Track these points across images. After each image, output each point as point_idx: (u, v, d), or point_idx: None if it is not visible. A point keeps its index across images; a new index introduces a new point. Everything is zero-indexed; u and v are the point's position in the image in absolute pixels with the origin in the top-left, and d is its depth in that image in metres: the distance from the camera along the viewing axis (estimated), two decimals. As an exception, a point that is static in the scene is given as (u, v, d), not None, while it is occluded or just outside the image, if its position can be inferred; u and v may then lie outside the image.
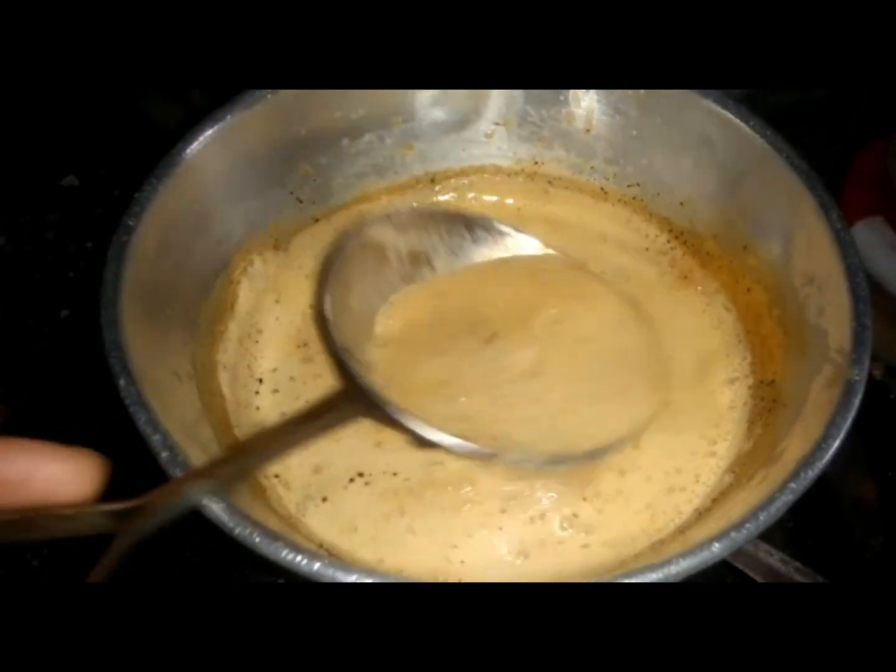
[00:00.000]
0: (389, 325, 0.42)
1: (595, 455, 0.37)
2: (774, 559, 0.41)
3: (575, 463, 0.37)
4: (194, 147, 0.42)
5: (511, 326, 0.42)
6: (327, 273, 0.39)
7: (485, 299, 0.44)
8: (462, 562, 0.37)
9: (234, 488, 0.31)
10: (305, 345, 0.45)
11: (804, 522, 0.45)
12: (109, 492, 0.28)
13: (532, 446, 0.36)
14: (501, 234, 0.47)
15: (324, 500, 0.39)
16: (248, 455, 0.32)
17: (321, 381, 0.43)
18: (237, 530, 0.29)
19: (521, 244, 0.47)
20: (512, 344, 0.41)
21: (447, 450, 0.35)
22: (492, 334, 0.41)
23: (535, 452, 0.36)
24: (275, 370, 0.44)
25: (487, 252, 0.46)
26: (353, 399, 0.34)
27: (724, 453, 0.39)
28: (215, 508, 0.29)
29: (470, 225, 0.46)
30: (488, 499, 0.38)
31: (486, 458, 0.35)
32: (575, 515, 0.38)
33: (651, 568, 0.28)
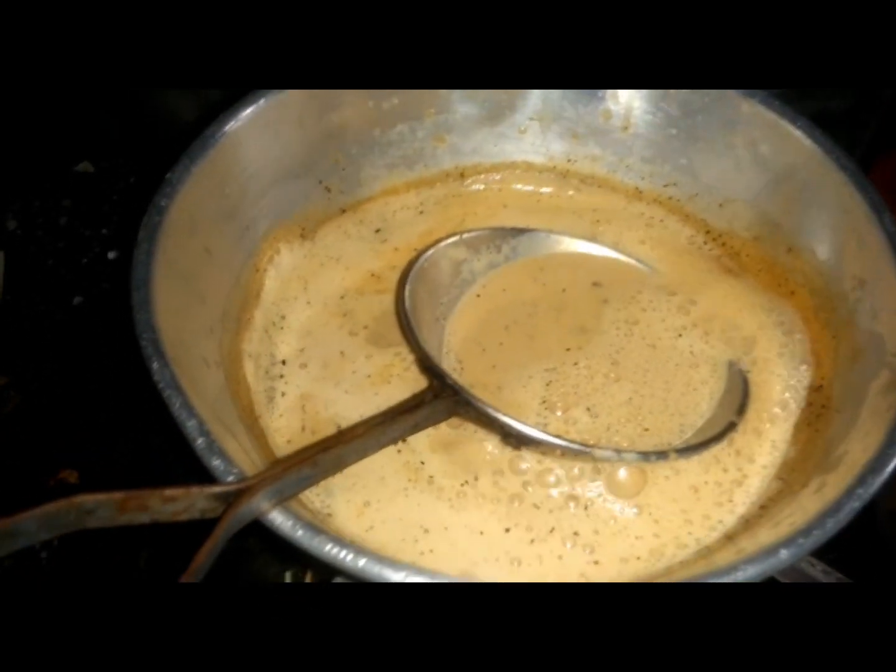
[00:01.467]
0: (459, 333, 0.43)
1: (684, 453, 0.37)
2: (817, 570, 0.40)
3: (665, 458, 0.37)
4: (228, 129, 0.41)
5: (581, 329, 0.43)
6: (405, 287, 0.41)
7: (545, 299, 0.45)
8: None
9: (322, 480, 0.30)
10: (345, 314, 0.44)
11: (840, 535, 0.44)
12: (130, 483, 0.26)
13: (621, 444, 0.38)
14: (544, 237, 0.48)
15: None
16: (340, 447, 0.30)
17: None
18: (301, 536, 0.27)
19: (565, 243, 0.47)
20: (591, 350, 0.42)
21: (541, 449, 0.36)
22: (570, 338, 0.43)
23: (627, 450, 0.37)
24: (302, 350, 0.43)
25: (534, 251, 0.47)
26: (441, 398, 0.34)
27: (770, 460, 0.38)
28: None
29: (515, 234, 0.47)
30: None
31: (581, 454, 0.36)
32: (616, 521, 0.36)
33: (717, 573, 0.27)
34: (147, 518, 0.25)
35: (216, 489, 0.25)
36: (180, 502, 0.25)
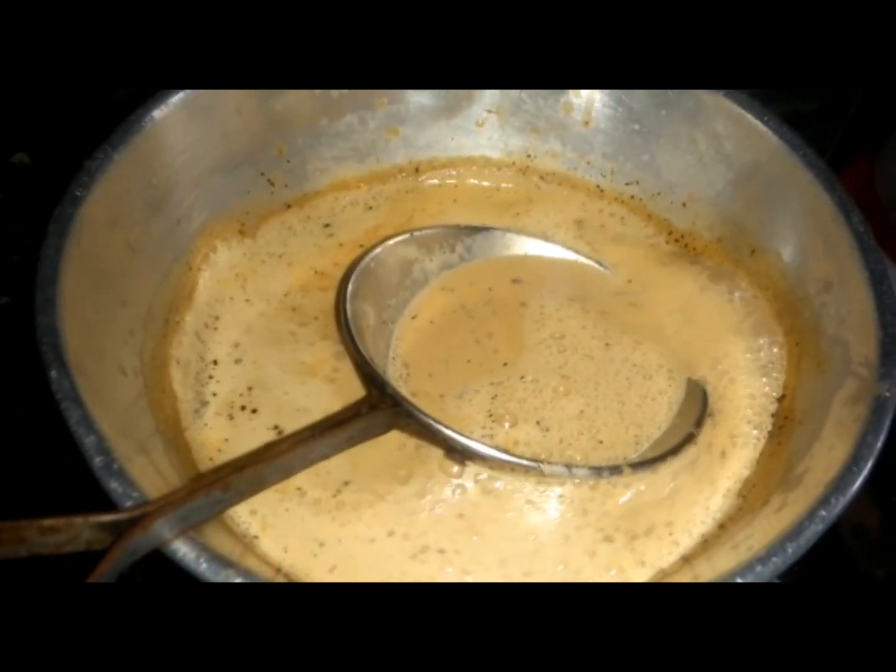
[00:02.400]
0: (408, 338, 0.41)
1: (639, 468, 0.35)
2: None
3: (619, 473, 0.35)
4: (156, 114, 0.38)
5: (520, 342, 0.40)
6: (346, 286, 0.38)
7: (499, 302, 0.42)
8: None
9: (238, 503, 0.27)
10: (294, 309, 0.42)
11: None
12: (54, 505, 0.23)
13: (574, 458, 0.36)
14: (500, 236, 0.45)
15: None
16: (259, 466, 0.27)
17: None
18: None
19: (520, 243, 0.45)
20: (531, 361, 0.39)
21: (488, 464, 0.34)
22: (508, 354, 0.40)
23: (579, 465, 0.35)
24: (237, 345, 0.40)
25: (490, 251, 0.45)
26: (380, 409, 0.32)
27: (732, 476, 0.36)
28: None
29: (470, 232, 0.45)
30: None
31: (529, 470, 0.34)
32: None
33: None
34: (25, 551, 0.22)
35: (103, 518, 0.22)
36: (62, 534, 0.22)
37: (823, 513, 0.27)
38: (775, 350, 0.39)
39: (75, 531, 0.22)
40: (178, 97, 0.39)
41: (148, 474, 0.28)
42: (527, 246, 0.45)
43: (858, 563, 0.43)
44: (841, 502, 0.27)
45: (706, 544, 0.33)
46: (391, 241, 0.42)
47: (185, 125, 0.39)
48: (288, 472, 0.29)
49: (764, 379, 0.38)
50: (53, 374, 0.28)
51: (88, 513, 0.22)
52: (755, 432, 0.37)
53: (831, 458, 0.29)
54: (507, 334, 0.41)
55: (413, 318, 0.42)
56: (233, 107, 0.41)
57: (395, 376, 0.39)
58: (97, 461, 0.26)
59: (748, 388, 0.38)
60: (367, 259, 0.41)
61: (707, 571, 0.28)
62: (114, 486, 0.25)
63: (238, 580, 0.23)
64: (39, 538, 0.21)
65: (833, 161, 0.55)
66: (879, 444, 0.29)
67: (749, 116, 0.41)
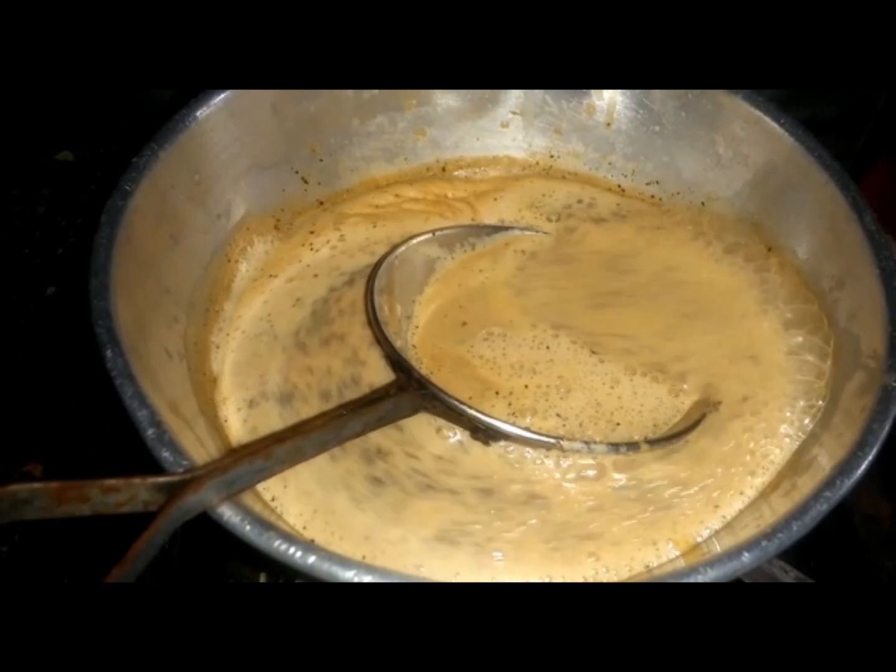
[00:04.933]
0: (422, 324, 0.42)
1: (656, 444, 0.36)
2: (790, 577, 0.39)
3: (637, 450, 0.36)
4: (199, 114, 0.40)
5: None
6: (373, 281, 0.40)
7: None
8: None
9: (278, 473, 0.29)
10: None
11: (817, 539, 0.43)
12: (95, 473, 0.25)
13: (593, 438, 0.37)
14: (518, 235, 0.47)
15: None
16: (298, 439, 0.29)
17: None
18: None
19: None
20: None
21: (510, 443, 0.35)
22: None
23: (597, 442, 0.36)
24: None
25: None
26: (408, 391, 0.34)
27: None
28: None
29: (490, 231, 0.46)
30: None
31: (549, 446, 0.35)
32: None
33: (675, 575, 0.26)
34: (88, 510, 0.24)
35: (159, 479, 0.24)
36: (122, 493, 0.24)
37: (828, 493, 0.28)
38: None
39: (133, 491, 0.24)
40: (219, 98, 0.41)
41: (195, 447, 0.30)
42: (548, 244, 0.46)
43: (869, 553, 0.44)
44: (846, 484, 0.28)
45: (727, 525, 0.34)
46: (414, 241, 0.44)
47: (225, 125, 0.41)
48: (323, 447, 0.31)
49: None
50: (108, 353, 0.30)
51: (146, 475, 0.25)
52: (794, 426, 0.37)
53: (839, 445, 0.31)
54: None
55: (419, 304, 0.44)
56: (269, 107, 0.43)
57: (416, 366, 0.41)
58: (150, 433, 0.28)
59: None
60: (391, 256, 0.43)
61: (713, 548, 0.29)
62: (165, 454, 0.27)
63: (278, 541, 0.25)
64: (101, 497, 0.24)
65: (855, 165, 0.56)
66: (885, 432, 0.30)
67: (766, 119, 0.42)
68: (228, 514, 0.26)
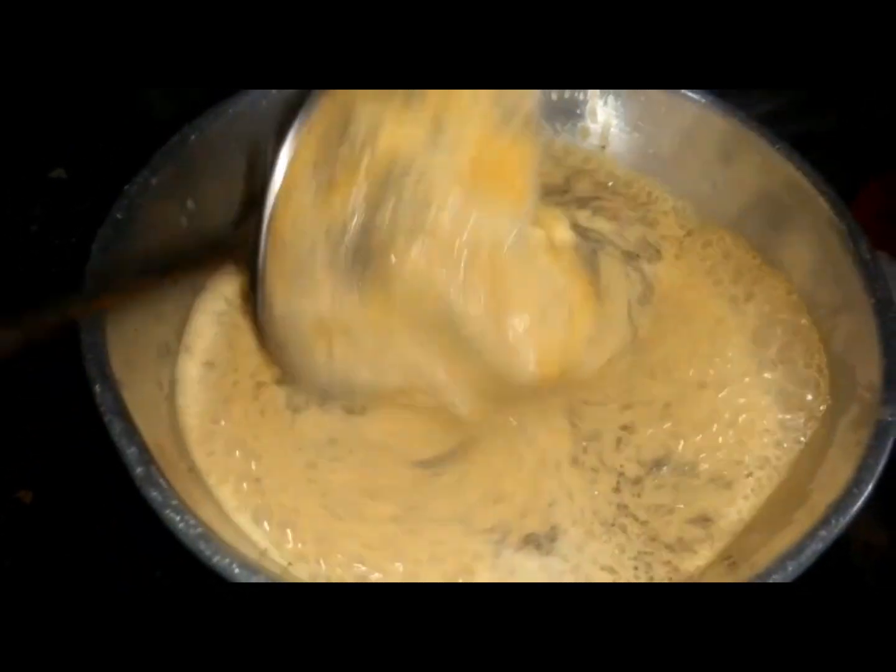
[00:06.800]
0: None
1: None
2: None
3: None
4: (191, 142, 0.40)
5: None
6: None
7: None
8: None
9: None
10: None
11: (813, 568, 0.43)
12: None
13: None
14: None
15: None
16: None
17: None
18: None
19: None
20: None
21: None
22: None
23: None
24: None
25: None
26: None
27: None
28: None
29: None
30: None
31: None
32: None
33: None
34: None
35: None
36: None
37: (824, 532, 0.28)
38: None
39: None
40: (211, 126, 0.41)
41: (183, 485, 0.29)
42: None
43: (867, 581, 0.44)
44: (841, 523, 0.28)
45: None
46: None
47: (217, 151, 0.41)
48: None
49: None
50: (97, 388, 0.30)
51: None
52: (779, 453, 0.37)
53: (835, 481, 0.31)
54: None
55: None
56: (262, 132, 0.43)
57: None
58: (138, 471, 0.28)
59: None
60: None
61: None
62: (153, 494, 0.27)
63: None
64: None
65: (850, 180, 0.56)
66: (880, 468, 0.30)
67: (762, 143, 0.42)
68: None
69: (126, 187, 0.37)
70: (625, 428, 0.37)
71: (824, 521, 0.28)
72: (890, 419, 0.31)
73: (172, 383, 0.37)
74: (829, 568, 0.43)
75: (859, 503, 0.29)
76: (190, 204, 0.40)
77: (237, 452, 0.35)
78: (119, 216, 0.36)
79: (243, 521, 0.33)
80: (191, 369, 0.38)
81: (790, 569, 0.27)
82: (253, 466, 0.35)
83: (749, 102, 0.48)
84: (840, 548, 0.44)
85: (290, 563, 0.32)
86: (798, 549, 0.28)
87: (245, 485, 0.34)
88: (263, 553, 0.32)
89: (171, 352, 0.38)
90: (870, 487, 0.29)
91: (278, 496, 0.34)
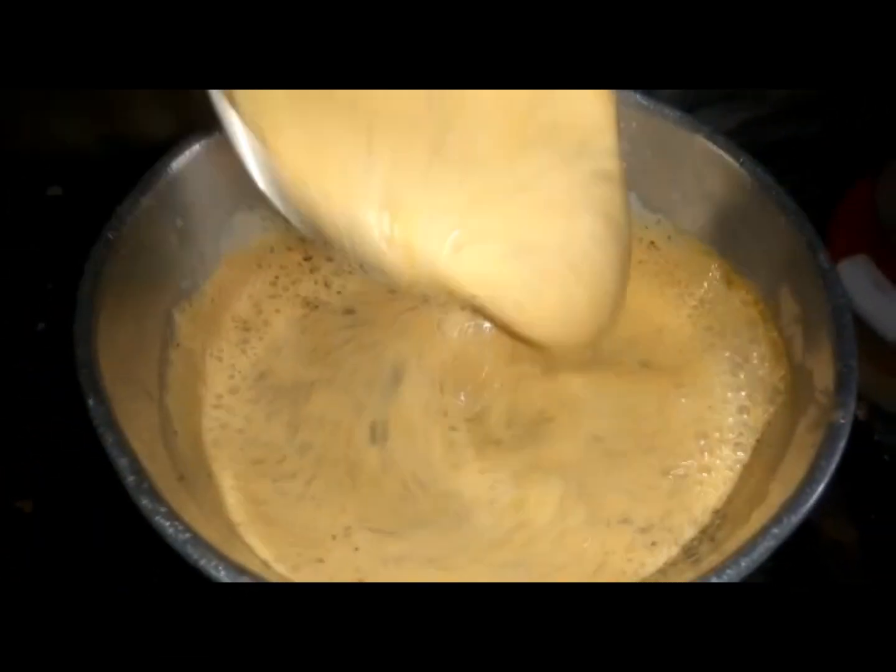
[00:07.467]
0: None
1: None
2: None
3: None
4: (179, 161, 0.41)
5: None
6: None
7: None
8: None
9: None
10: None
11: (780, 565, 0.44)
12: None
13: None
14: None
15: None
16: None
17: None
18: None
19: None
20: None
21: None
22: None
23: None
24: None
25: None
26: None
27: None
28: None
29: None
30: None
31: None
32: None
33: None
34: None
35: None
36: None
37: (776, 531, 0.30)
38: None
39: None
40: (199, 145, 0.42)
41: (174, 493, 0.31)
42: None
43: (836, 578, 0.46)
44: (793, 521, 0.30)
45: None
46: None
47: (206, 170, 0.43)
48: None
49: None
50: (91, 402, 0.32)
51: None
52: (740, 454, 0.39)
53: (790, 481, 0.32)
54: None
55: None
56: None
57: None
58: (129, 480, 0.29)
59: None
60: None
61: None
62: (145, 503, 0.29)
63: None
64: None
65: (834, 185, 0.58)
66: (832, 468, 0.31)
67: (726, 156, 0.44)
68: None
69: (118, 207, 0.39)
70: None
71: (776, 520, 0.30)
72: (842, 422, 0.33)
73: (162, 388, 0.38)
74: (798, 565, 0.45)
75: (811, 502, 0.30)
76: (179, 222, 0.42)
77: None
78: (110, 236, 0.38)
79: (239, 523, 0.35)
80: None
81: (743, 564, 0.29)
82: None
83: (734, 107, 0.49)
84: (809, 545, 0.46)
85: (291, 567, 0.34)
86: (751, 546, 0.29)
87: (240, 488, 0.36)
88: (250, 550, 0.34)
89: (163, 360, 0.39)
90: (821, 487, 0.31)
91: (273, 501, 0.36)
